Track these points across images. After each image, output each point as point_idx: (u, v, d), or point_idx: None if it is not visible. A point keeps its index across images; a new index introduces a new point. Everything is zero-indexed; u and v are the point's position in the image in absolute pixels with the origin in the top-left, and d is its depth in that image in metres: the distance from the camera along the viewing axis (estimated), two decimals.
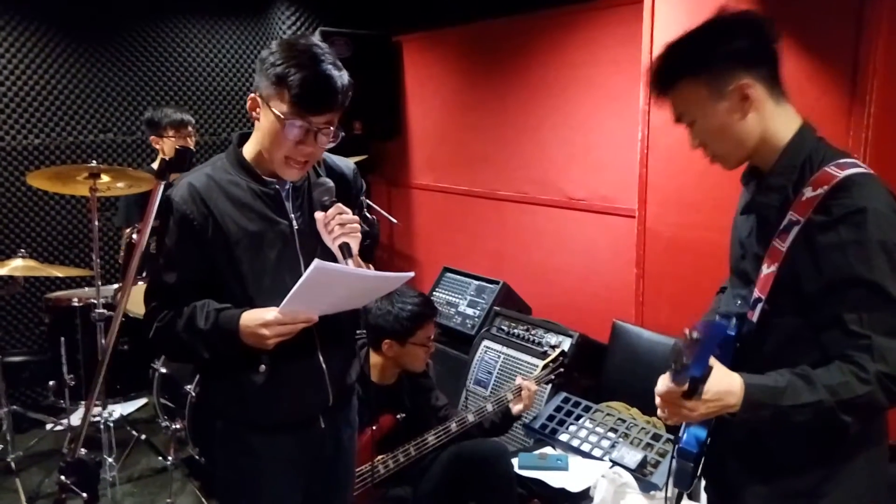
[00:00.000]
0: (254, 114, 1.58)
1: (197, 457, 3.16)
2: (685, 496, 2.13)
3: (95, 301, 2.99)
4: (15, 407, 3.59)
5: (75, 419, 3.40)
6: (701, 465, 1.45)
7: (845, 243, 1.21)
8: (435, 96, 4.47)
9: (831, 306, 1.23)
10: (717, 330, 1.17)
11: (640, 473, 2.43)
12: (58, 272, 3.40)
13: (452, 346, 3.54)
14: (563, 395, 2.90)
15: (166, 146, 3.43)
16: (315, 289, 1.46)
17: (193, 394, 3.00)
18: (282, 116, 1.50)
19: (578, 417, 2.78)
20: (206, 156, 4.40)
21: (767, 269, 1.31)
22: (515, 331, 3.29)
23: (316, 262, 1.39)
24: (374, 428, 2.42)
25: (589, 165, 3.52)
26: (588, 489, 2.39)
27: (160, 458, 3.39)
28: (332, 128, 1.56)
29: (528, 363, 3.12)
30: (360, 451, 2.10)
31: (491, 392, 3.18)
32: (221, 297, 1.59)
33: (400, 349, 2.45)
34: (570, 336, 3.08)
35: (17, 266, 3.18)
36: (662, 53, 1.36)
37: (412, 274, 1.60)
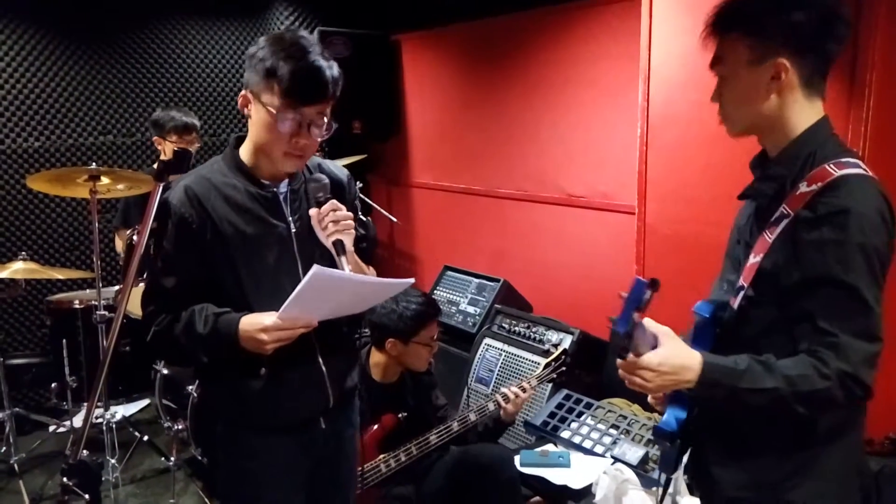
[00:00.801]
0: (246, 110, 1.58)
1: (199, 457, 3.16)
2: (685, 486, 2.15)
3: (97, 303, 2.99)
4: (18, 409, 3.60)
5: (78, 421, 3.41)
6: (686, 452, 1.47)
7: (825, 242, 1.22)
8: (434, 95, 4.47)
9: (805, 301, 1.25)
10: (636, 287, 1.23)
11: (642, 470, 2.43)
12: (59, 274, 3.40)
13: (454, 344, 3.54)
14: (565, 392, 2.90)
15: (167, 149, 3.44)
16: (314, 294, 1.45)
17: (195, 394, 3.00)
18: (273, 110, 1.50)
19: (580, 414, 2.78)
20: (205, 157, 4.39)
21: (753, 259, 1.32)
22: (516, 328, 3.29)
23: (315, 268, 1.38)
24: (375, 427, 2.43)
25: (588, 162, 3.51)
26: (590, 486, 2.39)
27: (163, 458, 3.40)
28: (325, 119, 1.56)
29: (530, 360, 3.13)
30: (362, 450, 2.10)
31: (492, 391, 3.19)
32: (219, 301, 1.59)
33: (403, 348, 2.45)
34: (571, 333, 3.08)
35: (19, 269, 3.19)
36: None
37: (412, 280, 1.59)
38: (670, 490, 2.10)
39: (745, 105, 1.35)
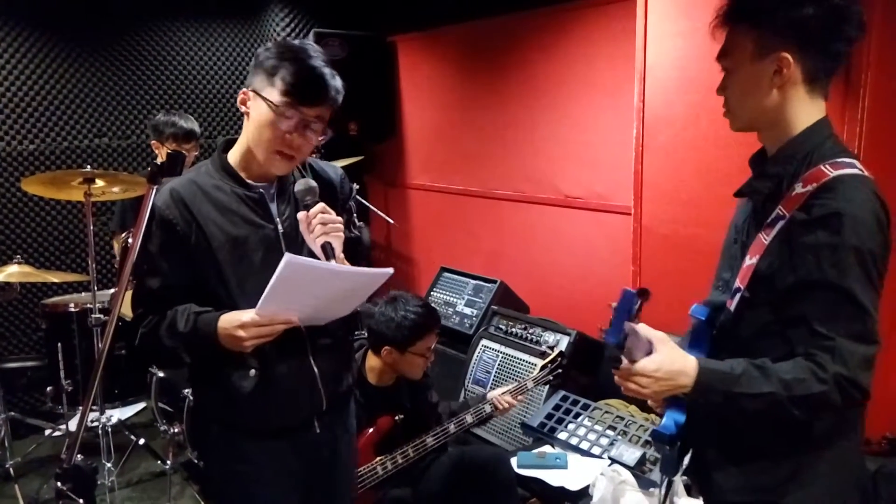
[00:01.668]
0: (244, 107, 1.58)
1: (196, 460, 3.14)
2: (682, 488, 2.15)
3: (92, 306, 2.98)
4: (13, 413, 3.59)
5: (73, 424, 3.39)
6: (688, 454, 1.47)
7: (820, 245, 1.21)
8: (430, 96, 4.47)
9: (800, 304, 1.24)
10: (624, 298, 1.23)
11: (639, 471, 2.43)
12: (54, 278, 3.39)
13: (451, 345, 3.54)
14: (562, 393, 2.90)
15: (163, 153, 3.41)
16: (290, 286, 1.44)
17: (191, 397, 2.99)
18: (275, 105, 1.52)
19: (577, 416, 2.78)
20: (200, 158, 4.38)
21: (749, 261, 1.32)
22: (513, 330, 3.29)
23: (287, 256, 1.38)
24: (371, 430, 2.42)
25: (584, 163, 3.51)
26: (587, 487, 2.39)
27: (159, 462, 3.39)
28: (322, 124, 1.57)
29: (527, 362, 3.12)
30: (359, 453, 2.09)
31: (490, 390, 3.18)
32: (206, 302, 1.58)
33: (399, 357, 2.44)
34: (568, 334, 3.08)
35: (13, 272, 3.18)
36: None
37: (391, 271, 1.55)
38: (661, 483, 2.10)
39: (748, 99, 1.35)
